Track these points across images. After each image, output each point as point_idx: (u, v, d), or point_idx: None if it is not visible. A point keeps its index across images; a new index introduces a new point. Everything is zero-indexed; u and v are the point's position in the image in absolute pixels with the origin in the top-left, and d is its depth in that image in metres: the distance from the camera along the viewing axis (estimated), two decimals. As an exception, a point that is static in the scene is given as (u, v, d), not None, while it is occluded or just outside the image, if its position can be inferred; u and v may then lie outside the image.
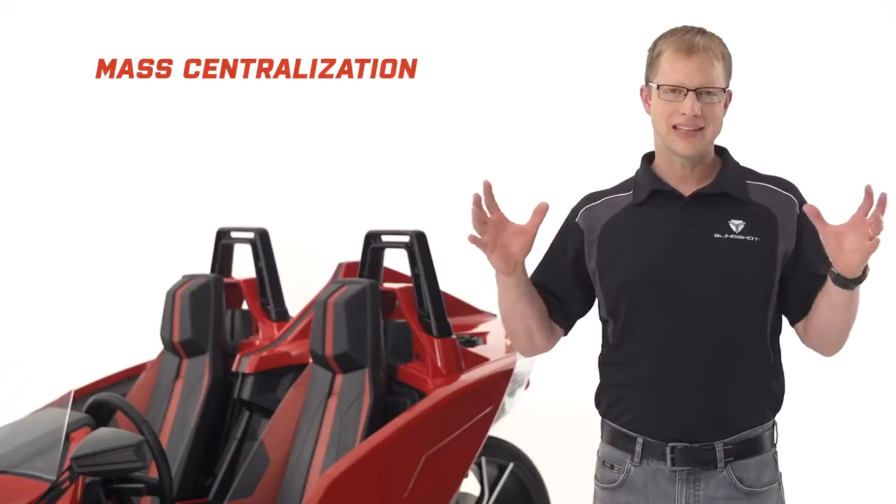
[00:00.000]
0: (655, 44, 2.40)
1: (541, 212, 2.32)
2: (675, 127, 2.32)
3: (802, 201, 2.38)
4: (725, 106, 2.39)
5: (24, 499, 2.89)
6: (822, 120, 5.37)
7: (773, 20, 5.39)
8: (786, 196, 2.38)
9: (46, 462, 3.00)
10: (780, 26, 5.40)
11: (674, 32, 2.38)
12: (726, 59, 2.36)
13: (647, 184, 2.42)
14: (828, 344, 2.38)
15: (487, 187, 2.29)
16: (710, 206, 2.34)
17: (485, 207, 2.32)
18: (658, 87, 2.34)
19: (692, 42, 2.33)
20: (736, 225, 2.33)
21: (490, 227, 2.31)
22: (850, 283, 2.20)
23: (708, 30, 2.40)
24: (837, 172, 5.31)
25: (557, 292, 2.49)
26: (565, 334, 2.56)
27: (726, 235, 2.32)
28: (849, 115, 5.35)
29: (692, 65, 2.31)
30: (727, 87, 2.37)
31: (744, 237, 2.32)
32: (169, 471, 3.22)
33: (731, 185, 2.38)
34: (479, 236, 2.32)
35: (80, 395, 3.91)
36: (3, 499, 2.89)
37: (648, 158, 2.48)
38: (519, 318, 2.44)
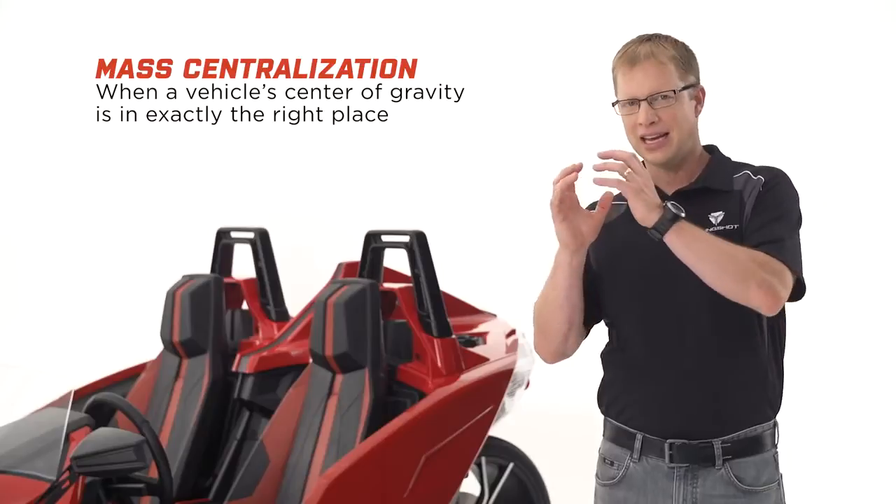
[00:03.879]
0: (612, 63, 2.44)
1: (606, 201, 2.31)
2: (642, 139, 2.36)
3: (771, 179, 2.37)
4: (699, 102, 2.41)
5: (24, 499, 2.89)
6: (821, 118, 5.37)
7: (773, 20, 5.39)
8: (756, 178, 2.39)
9: (46, 462, 3.00)
10: (781, 26, 5.39)
11: (623, 47, 2.42)
12: (679, 58, 2.37)
13: None
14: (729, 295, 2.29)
15: (580, 166, 2.27)
16: (692, 202, 2.35)
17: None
18: (615, 104, 2.40)
19: (635, 53, 2.37)
20: (715, 217, 2.35)
21: (565, 202, 2.30)
22: (651, 231, 2.21)
23: (662, 33, 2.41)
24: (837, 168, 5.31)
25: (587, 290, 2.47)
26: (586, 335, 2.56)
27: (707, 230, 2.32)
28: (848, 112, 5.35)
29: (637, 75, 2.35)
30: (686, 85, 2.37)
31: (723, 227, 2.34)
32: (169, 471, 3.22)
33: (714, 179, 2.40)
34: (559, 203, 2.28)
35: (80, 395, 3.91)
36: (3, 499, 2.89)
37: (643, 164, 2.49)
38: (568, 308, 2.40)
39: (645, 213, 2.20)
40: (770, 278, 2.23)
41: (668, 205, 2.20)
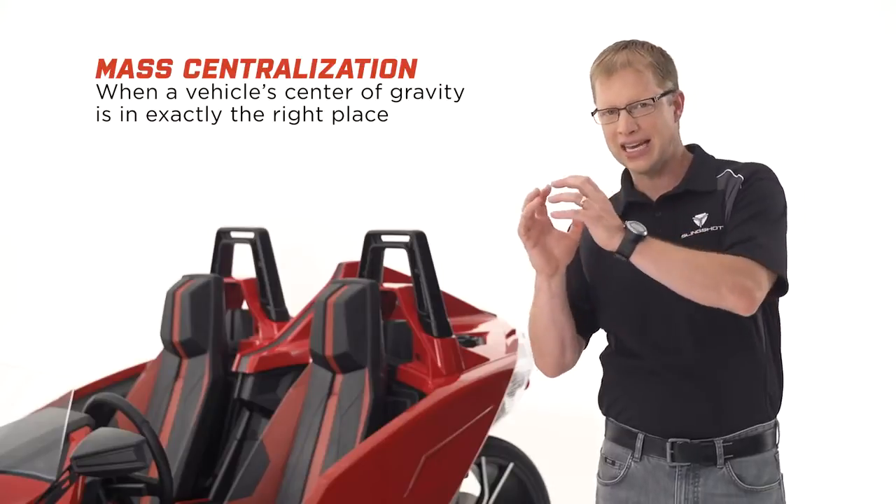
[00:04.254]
0: (590, 71, 2.43)
1: (580, 221, 2.30)
2: (623, 147, 2.36)
3: (750, 176, 2.36)
4: (678, 106, 2.40)
5: (24, 499, 2.89)
6: (807, 113, 5.37)
7: (757, 18, 5.39)
8: (737, 177, 2.37)
9: (46, 462, 3.00)
10: (765, 23, 5.40)
11: (599, 55, 2.41)
12: (656, 65, 2.36)
13: (624, 197, 2.47)
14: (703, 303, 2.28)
15: (546, 190, 2.28)
16: (676, 206, 2.37)
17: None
18: (594, 112, 2.39)
19: (612, 62, 2.35)
20: (699, 219, 2.35)
21: (535, 227, 2.31)
22: (616, 255, 2.20)
23: (638, 39, 2.40)
24: (831, 162, 5.31)
25: (579, 303, 2.48)
26: (586, 346, 2.56)
27: (692, 233, 2.33)
28: (835, 106, 5.34)
29: (615, 84, 2.34)
30: (665, 91, 2.36)
31: (707, 229, 2.34)
32: (169, 471, 3.22)
33: (697, 180, 2.39)
34: (525, 231, 2.30)
35: (80, 395, 3.92)
36: (3, 499, 2.89)
37: (627, 171, 2.50)
38: (556, 329, 2.43)
39: (607, 239, 2.19)
40: (742, 280, 2.22)
41: (629, 226, 2.19)
